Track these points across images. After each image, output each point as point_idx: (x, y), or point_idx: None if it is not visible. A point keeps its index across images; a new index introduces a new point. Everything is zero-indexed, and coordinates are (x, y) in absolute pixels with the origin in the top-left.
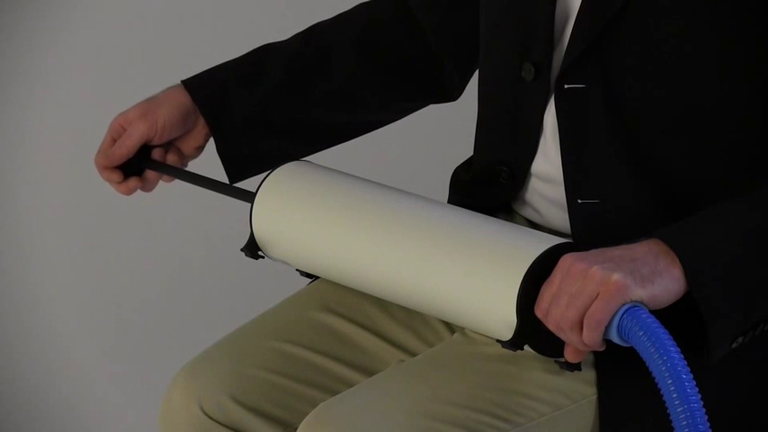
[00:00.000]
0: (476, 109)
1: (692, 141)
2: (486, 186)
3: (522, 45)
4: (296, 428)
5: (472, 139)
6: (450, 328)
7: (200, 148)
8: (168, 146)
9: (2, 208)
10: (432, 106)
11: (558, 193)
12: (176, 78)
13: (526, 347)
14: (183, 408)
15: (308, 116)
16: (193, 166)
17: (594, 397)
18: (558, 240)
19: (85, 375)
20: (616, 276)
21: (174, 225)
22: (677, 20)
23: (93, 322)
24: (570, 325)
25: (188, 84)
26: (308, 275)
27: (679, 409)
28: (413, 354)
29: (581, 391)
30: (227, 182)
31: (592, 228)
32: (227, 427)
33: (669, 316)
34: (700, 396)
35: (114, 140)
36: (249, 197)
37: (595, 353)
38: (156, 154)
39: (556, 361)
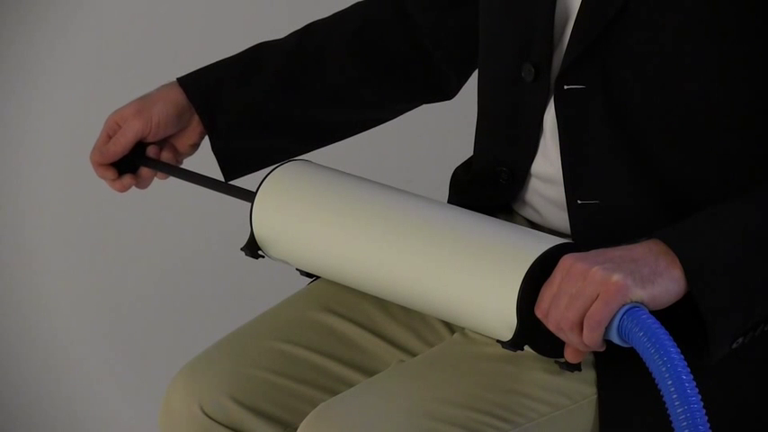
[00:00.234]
0: (475, 109)
1: (692, 142)
2: (486, 187)
3: (522, 46)
4: (296, 428)
5: (472, 138)
6: (450, 328)
7: (196, 146)
8: (163, 143)
9: (2, 208)
10: (432, 106)
11: (558, 193)
12: (173, 77)
13: (526, 348)
14: (183, 408)
15: (303, 114)
16: (191, 165)
17: (594, 397)
18: (558, 241)
19: (85, 375)
20: (616, 277)
21: (174, 225)
22: (677, 20)
23: (93, 322)
24: (570, 325)
25: (183, 81)
26: (308, 275)
27: (679, 410)
28: (413, 354)
29: (581, 391)
30: (223, 180)
31: (592, 228)
32: (227, 427)
33: (669, 316)
34: (700, 397)
35: (109, 137)
36: (249, 196)
37: (595, 353)
38: (151, 151)
39: (556, 361)
